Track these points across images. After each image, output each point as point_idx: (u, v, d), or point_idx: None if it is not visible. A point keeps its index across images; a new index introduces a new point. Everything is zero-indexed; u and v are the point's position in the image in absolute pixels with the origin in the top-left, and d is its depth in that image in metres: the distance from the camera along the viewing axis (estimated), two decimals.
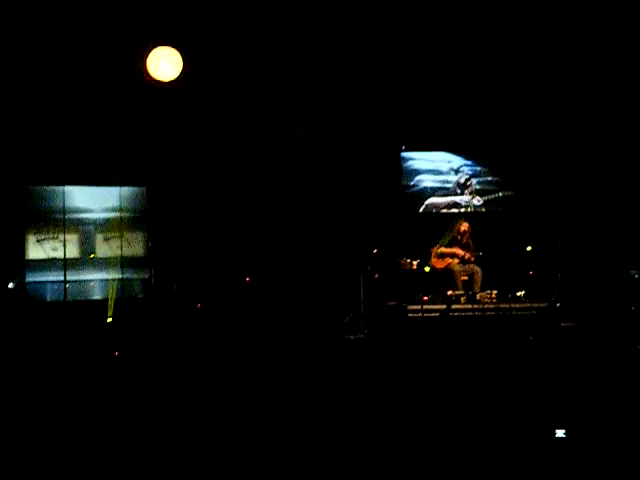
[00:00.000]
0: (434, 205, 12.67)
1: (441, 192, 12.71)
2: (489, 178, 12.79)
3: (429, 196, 12.69)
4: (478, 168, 12.78)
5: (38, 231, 11.66)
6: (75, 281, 11.65)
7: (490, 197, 12.71)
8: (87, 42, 10.78)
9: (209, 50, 11.18)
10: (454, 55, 11.66)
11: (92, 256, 11.96)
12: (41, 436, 5.52)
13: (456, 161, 12.81)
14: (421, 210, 12.63)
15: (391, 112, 12.16)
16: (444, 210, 12.65)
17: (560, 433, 5.21)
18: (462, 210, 12.58)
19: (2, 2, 10.15)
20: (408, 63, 11.71)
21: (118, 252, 11.91)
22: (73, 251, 11.81)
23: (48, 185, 11.76)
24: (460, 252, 11.37)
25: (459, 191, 12.69)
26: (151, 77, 9.88)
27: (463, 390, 6.72)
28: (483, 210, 12.70)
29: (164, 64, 9.75)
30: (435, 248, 11.50)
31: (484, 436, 5.26)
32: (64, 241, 11.25)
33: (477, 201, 12.67)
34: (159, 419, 5.95)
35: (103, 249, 12.12)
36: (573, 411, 5.79)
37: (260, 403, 6.39)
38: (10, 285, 11.17)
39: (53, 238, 11.65)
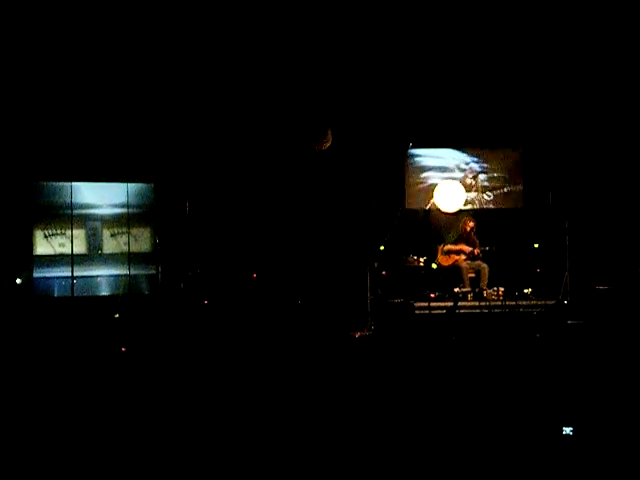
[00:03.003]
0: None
1: None
2: (495, 174, 12.76)
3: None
4: (485, 164, 12.76)
5: (46, 227, 11.69)
6: (82, 277, 11.67)
7: (497, 193, 12.69)
8: (92, 39, 10.81)
9: (218, 51, 11.20)
10: (461, 51, 11.62)
11: (99, 252, 11.99)
12: (46, 430, 5.53)
13: (463, 158, 12.78)
14: (428, 207, 12.60)
15: (398, 109, 12.14)
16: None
17: (567, 430, 5.20)
18: (469, 207, 12.55)
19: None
20: (415, 59, 11.68)
21: (125, 248, 11.91)
22: (80, 247, 11.83)
23: (56, 181, 11.77)
24: (467, 249, 11.36)
25: (465, 189, 12.66)
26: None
27: (470, 387, 6.71)
28: (491, 206, 12.67)
29: None
30: (441, 245, 11.50)
31: (491, 433, 5.26)
32: (71, 237, 11.25)
33: (487, 196, 12.64)
34: (165, 413, 5.96)
35: (110, 245, 12.14)
36: (580, 409, 5.78)
37: (266, 399, 6.39)
38: (18, 280, 11.20)
39: (60, 234, 11.68)
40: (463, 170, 12.73)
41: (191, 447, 5.14)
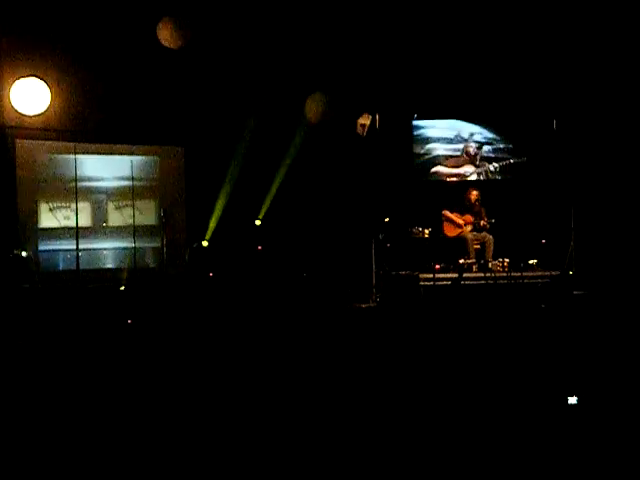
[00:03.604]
0: (440, 174, 12.57)
1: (451, 161, 12.60)
2: (501, 145, 12.69)
3: (440, 164, 12.62)
4: (490, 135, 12.68)
5: (50, 199, 11.68)
6: (87, 250, 11.67)
7: (502, 164, 12.62)
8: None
9: (217, 21, 11.15)
10: (465, 22, 11.53)
11: (104, 225, 12.01)
12: (51, 402, 5.56)
13: (467, 129, 12.69)
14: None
15: (403, 80, 12.06)
16: (454, 179, 12.56)
17: (572, 400, 5.21)
18: (474, 178, 12.50)
19: None
20: (420, 29, 11.60)
21: (130, 221, 11.90)
22: (85, 220, 11.83)
23: (60, 154, 11.74)
24: (470, 219, 11.34)
25: (468, 160, 12.60)
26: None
27: (475, 358, 6.72)
28: (497, 177, 12.61)
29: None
30: (446, 213, 11.47)
31: (496, 404, 5.27)
32: (76, 210, 11.25)
33: (493, 167, 12.57)
34: (169, 385, 5.98)
35: (115, 218, 12.14)
36: (585, 379, 5.79)
37: (270, 370, 6.41)
38: (23, 253, 11.21)
39: (65, 207, 11.67)
40: (468, 141, 12.65)
41: (196, 419, 5.16)
